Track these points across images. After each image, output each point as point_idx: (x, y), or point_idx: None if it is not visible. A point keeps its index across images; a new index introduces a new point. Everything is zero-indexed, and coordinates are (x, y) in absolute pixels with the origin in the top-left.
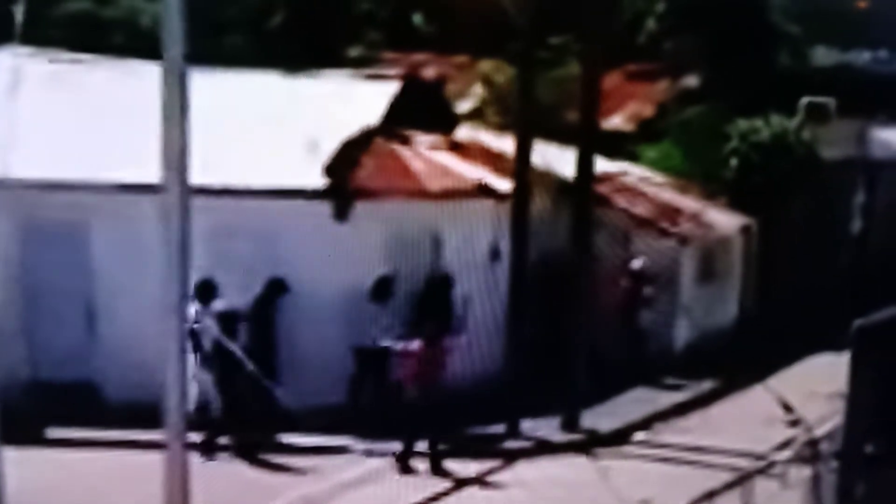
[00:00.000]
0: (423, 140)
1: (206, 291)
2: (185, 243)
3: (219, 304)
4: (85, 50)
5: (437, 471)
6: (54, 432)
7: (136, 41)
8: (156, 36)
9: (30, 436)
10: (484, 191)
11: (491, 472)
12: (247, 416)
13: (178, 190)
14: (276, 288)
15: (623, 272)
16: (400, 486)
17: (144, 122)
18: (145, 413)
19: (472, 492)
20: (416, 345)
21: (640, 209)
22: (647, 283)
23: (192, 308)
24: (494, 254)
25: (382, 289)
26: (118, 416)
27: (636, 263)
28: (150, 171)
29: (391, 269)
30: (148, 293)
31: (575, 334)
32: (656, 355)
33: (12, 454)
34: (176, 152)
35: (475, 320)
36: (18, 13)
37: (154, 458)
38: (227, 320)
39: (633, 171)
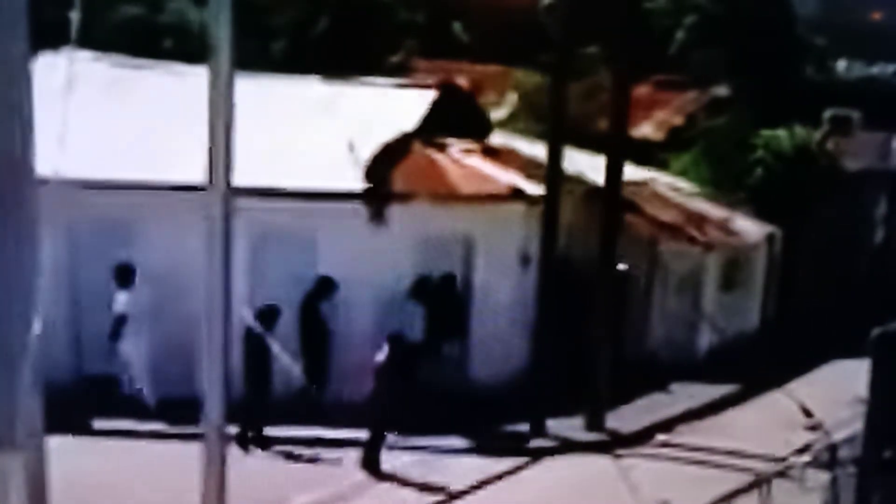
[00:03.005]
0: (458, 146)
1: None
2: (228, 242)
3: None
4: (138, 54)
5: (375, 471)
6: (97, 423)
7: (185, 46)
8: (205, 41)
9: (74, 426)
10: (515, 195)
11: (515, 469)
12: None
13: (222, 190)
14: (325, 286)
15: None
16: (425, 484)
17: (192, 125)
18: (185, 407)
19: (496, 488)
20: (380, 355)
21: (668, 216)
22: (628, 287)
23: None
24: (524, 258)
25: (421, 288)
26: (158, 409)
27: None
28: (195, 171)
29: (428, 270)
30: (191, 290)
31: (599, 337)
32: (680, 359)
33: (57, 443)
34: (221, 154)
35: (502, 323)
36: (75, 18)
37: (192, 450)
38: (271, 315)
39: (661, 179)
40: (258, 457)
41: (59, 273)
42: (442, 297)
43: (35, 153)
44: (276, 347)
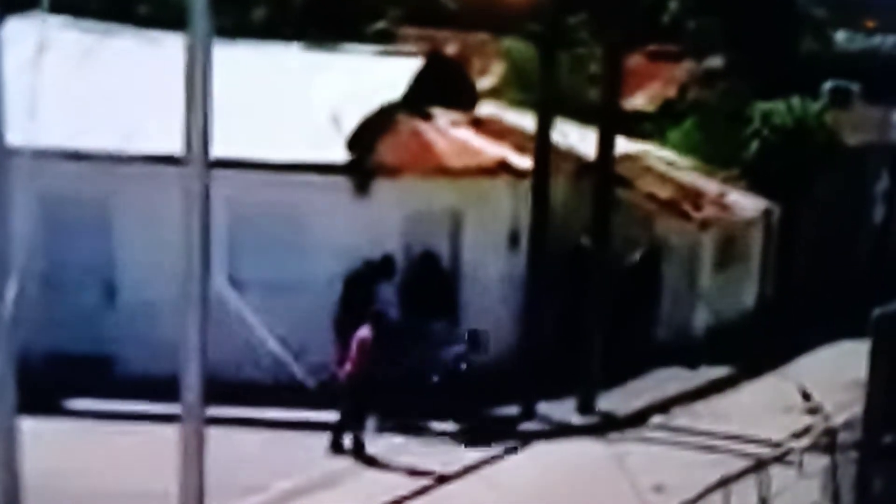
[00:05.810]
0: (445, 117)
1: None
2: (206, 215)
3: None
4: (112, 20)
5: (361, 456)
6: (71, 403)
7: (162, 12)
8: (182, 7)
9: (47, 406)
10: (504, 168)
11: (504, 454)
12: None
13: (200, 162)
14: (388, 264)
15: None
16: (412, 468)
17: (168, 94)
18: (161, 386)
19: (485, 473)
20: (363, 331)
21: (661, 191)
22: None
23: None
24: (513, 234)
25: (387, 267)
26: (135, 389)
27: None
28: (172, 142)
29: (395, 249)
30: (168, 265)
31: (592, 317)
32: (675, 339)
33: (29, 424)
34: (199, 124)
35: (490, 301)
36: None
37: (169, 431)
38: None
39: (654, 153)
40: (238, 440)
41: (31, 246)
42: (422, 277)
43: (4, 123)
44: (260, 328)
